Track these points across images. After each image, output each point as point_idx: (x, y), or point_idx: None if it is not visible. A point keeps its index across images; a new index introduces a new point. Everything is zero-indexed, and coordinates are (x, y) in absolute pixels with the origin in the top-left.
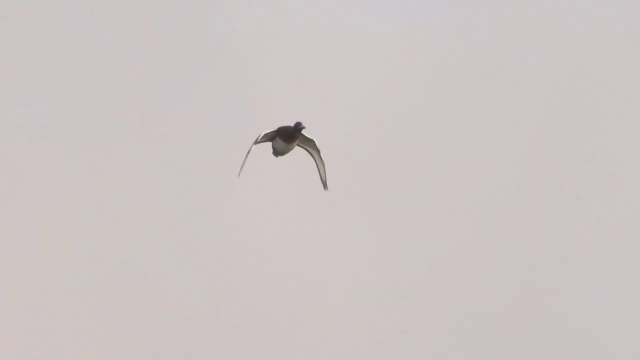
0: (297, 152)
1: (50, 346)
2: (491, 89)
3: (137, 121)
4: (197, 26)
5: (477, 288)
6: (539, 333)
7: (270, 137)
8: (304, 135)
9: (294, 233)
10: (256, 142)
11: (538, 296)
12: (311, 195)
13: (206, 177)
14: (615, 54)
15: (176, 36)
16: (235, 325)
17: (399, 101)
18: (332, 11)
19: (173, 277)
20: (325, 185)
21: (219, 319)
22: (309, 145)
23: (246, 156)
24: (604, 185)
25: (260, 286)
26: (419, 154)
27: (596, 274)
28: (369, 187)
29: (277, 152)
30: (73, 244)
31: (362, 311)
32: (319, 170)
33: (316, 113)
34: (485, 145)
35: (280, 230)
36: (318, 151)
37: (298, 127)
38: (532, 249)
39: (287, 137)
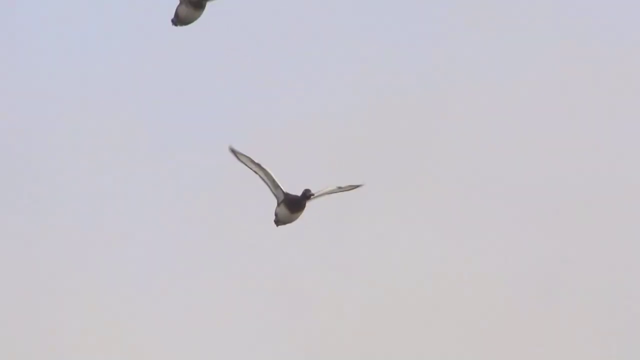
0: None
1: None
2: None
3: None
4: None
5: None
6: None
7: (275, 187)
8: (318, 196)
9: None
10: (254, 162)
11: None
12: None
13: None
14: None
15: None
16: None
17: None
18: None
19: None
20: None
21: None
22: (328, 194)
23: (237, 154)
24: None
25: None
26: None
27: None
28: None
29: (279, 221)
30: None
31: None
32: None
33: None
34: None
35: None
36: (339, 188)
37: (307, 194)
38: None
39: (293, 207)
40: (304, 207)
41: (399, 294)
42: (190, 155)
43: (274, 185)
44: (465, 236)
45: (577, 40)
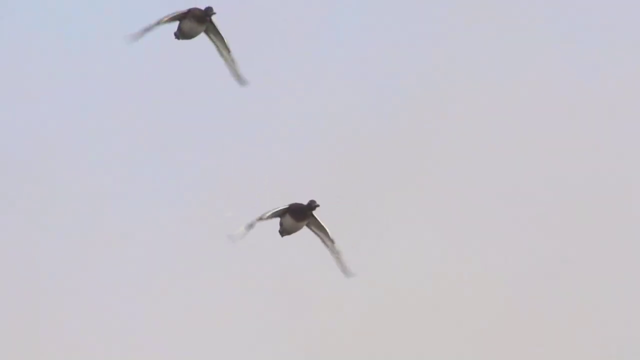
0: None
1: None
2: None
3: None
4: None
5: None
6: None
7: (279, 213)
8: (318, 221)
9: None
10: (262, 218)
11: None
12: None
13: None
14: None
15: None
16: None
17: None
18: None
19: None
20: (345, 273)
21: None
22: (323, 233)
23: (249, 227)
24: None
25: None
26: None
27: None
28: None
29: (284, 231)
30: None
31: None
32: (336, 259)
33: None
34: None
35: None
36: (332, 241)
37: (312, 205)
38: None
39: (297, 215)
40: (308, 216)
41: (399, 294)
42: (190, 155)
43: (276, 216)
44: (465, 236)
45: (577, 40)
